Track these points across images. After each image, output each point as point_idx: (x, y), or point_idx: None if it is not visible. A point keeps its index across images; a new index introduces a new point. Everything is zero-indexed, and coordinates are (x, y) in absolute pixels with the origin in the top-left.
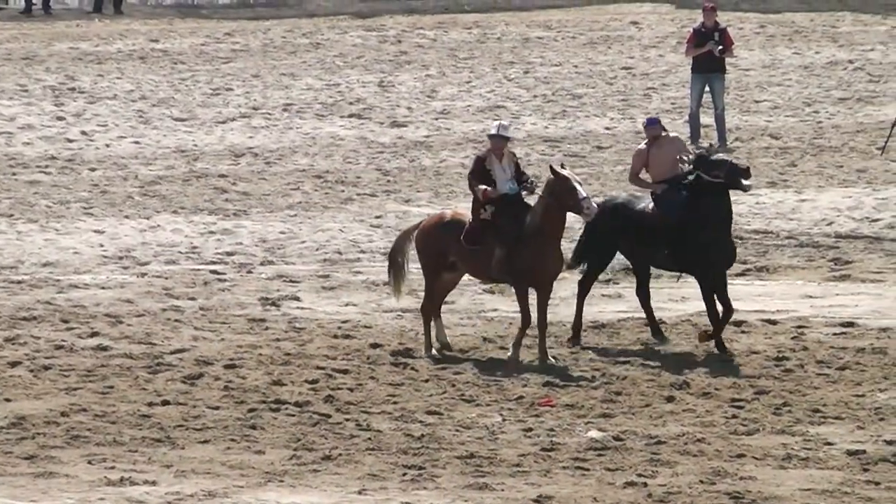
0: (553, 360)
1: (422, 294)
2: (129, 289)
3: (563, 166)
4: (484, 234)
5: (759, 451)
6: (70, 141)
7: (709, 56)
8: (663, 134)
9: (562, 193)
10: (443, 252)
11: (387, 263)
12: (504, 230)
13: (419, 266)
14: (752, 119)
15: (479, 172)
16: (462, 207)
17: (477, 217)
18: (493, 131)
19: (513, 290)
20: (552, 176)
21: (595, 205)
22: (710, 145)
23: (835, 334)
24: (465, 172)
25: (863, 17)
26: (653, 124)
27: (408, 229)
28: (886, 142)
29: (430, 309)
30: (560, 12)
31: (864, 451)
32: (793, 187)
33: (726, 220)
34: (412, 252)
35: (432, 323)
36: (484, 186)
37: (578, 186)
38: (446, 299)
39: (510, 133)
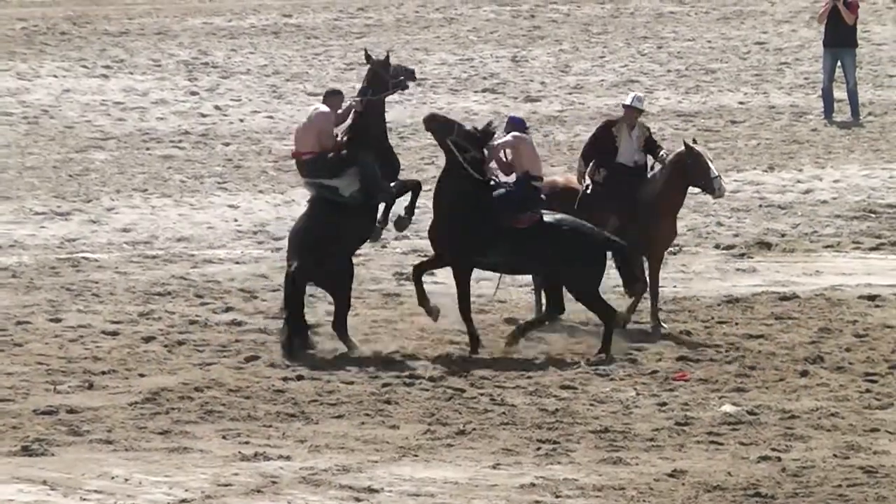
0: (664, 326)
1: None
2: (263, 263)
3: (694, 141)
4: (594, 202)
5: (893, 425)
6: (203, 116)
7: (838, 29)
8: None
9: (693, 168)
10: None
11: None
12: (619, 199)
13: None
14: (885, 94)
15: (604, 138)
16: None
17: (588, 185)
18: (629, 101)
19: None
20: (684, 150)
21: (724, 184)
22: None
23: None
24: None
25: None
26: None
27: None
28: None
29: None
30: None
31: None
32: None
33: None
34: None
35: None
36: (582, 170)
37: (711, 165)
38: None
39: (644, 106)
